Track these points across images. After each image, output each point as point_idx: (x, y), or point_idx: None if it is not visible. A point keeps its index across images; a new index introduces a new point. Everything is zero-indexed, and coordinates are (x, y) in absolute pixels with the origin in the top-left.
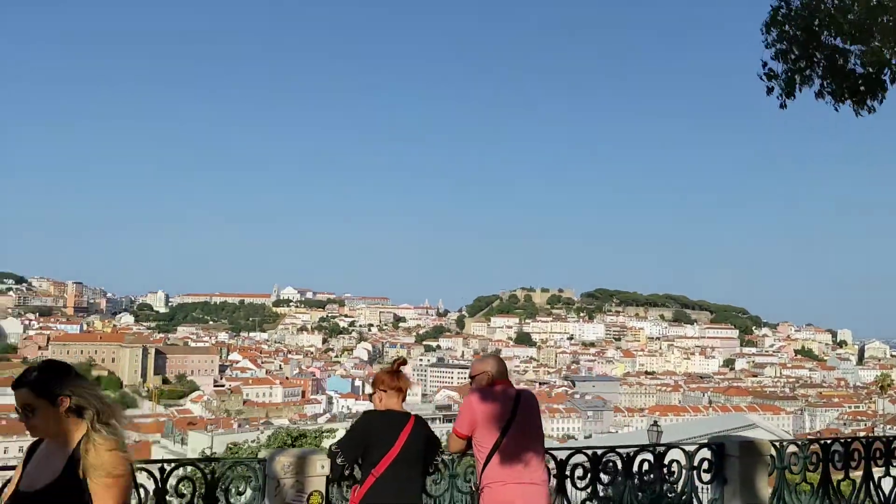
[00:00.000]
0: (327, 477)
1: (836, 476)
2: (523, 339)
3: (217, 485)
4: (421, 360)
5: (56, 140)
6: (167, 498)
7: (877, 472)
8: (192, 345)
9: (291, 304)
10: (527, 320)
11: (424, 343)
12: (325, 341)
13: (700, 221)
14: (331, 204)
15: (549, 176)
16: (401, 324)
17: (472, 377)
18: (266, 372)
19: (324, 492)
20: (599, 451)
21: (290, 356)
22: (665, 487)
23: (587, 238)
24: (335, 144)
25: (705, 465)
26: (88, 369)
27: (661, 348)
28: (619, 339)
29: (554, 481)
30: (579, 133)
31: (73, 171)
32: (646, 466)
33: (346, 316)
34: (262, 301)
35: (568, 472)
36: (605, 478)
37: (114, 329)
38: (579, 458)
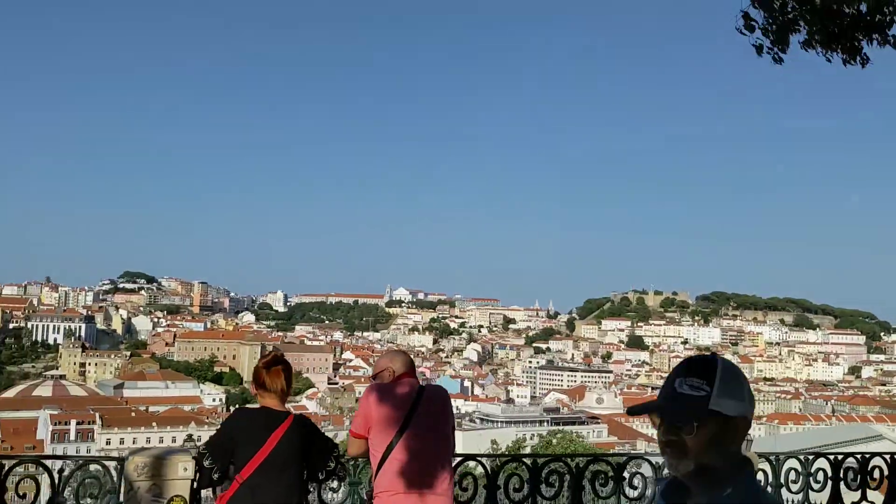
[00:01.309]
0: (193, 480)
1: (852, 497)
2: (635, 343)
3: (65, 486)
4: (530, 362)
5: (182, 145)
6: (5, 498)
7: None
8: (308, 343)
9: (403, 304)
10: (639, 323)
11: (534, 345)
12: (435, 342)
13: (825, 221)
14: (442, 206)
15: (663, 174)
16: (510, 325)
17: (374, 375)
18: None
19: (187, 497)
20: (540, 462)
21: None
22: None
23: (704, 239)
24: (446, 148)
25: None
26: (210, 365)
27: (780, 354)
28: (736, 344)
29: (482, 494)
30: (694, 129)
31: (202, 176)
32: (600, 480)
33: (456, 317)
34: (375, 301)
35: (500, 484)
36: (546, 490)
37: (235, 327)
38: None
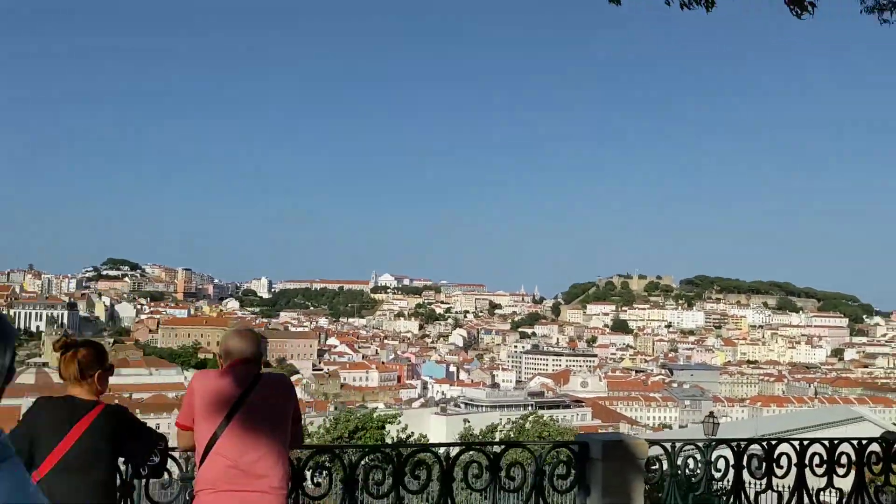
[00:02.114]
0: None
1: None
2: (620, 327)
3: None
4: (516, 346)
5: (167, 133)
6: None
7: (816, 482)
8: (293, 329)
9: (389, 290)
10: (623, 307)
11: (520, 330)
12: (421, 327)
13: (806, 205)
14: (427, 192)
15: (646, 161)
16: (496, 310)
17: (219, 355)
18: (363, 357)
19: None
20: (405, 452)
21: (386, 342)
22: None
23: (687, 224)
24: (431, 132)
25: (561, 470)
26: (194, 352)
27: (764, 337)
28: (719, 328)
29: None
30: (673, 119)
31: (184, 164)
32: (474, 470)
33: (442, 302)
34: (360, 287)
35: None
36: (410, 482)
37: (219, 314)
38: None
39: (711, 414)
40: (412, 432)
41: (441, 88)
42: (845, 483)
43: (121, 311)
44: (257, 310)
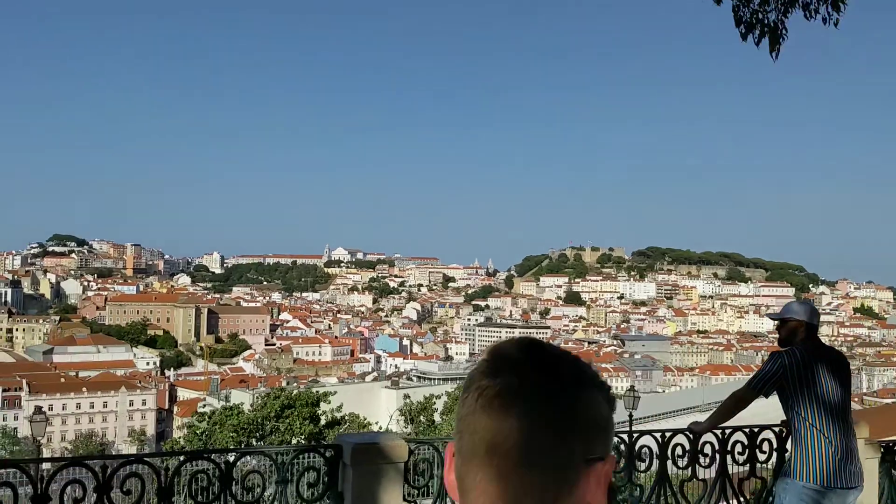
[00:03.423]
0: None
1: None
2: (573, 299)
3: None
4: (469, 319)
5: (114, 105)
6: None
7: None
8: (245, 305)
9: (342, 264)
10: (576, 279)
11: (473, 303)
12: (375, 301)
13: (755, 176)
14: (380, 164)
15: (594, 134)
16: (450, 284)
17: None
18: (315, 331)
19: None
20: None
21: (339, 316)
22: None
23: (638, 196)
24: (386, 106)
25: (311, 478)
26: (143, 329)
27: (713, 307)
28: (670, 298)
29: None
30: (632, 92)
31: (134, 136)
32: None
33: (395, 276)
34: (313, 262)
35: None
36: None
37: (170, 290)
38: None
39: (632, 388)
40: (347, 412)
41: (395, 61)
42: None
43: (67, 288)
44: (209, 285)
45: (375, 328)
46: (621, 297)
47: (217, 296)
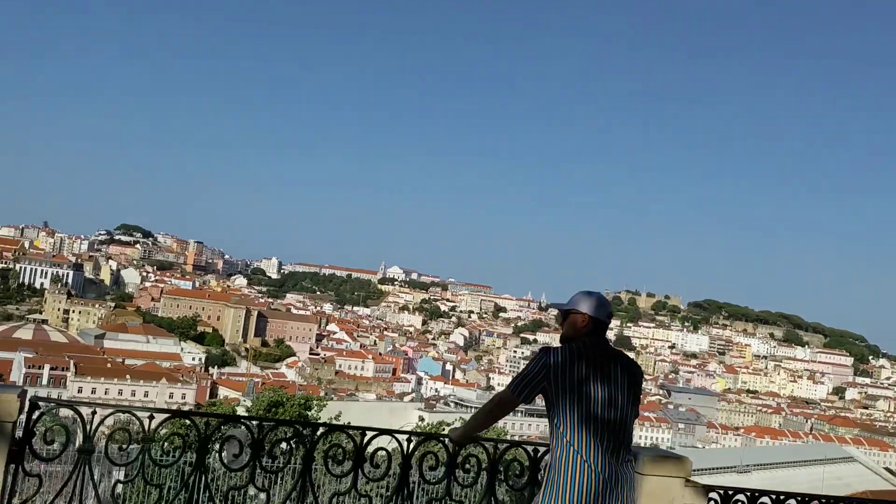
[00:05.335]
0: None
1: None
2: (622, 343)
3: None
4: (515, 351)
5: (195, 108)
6: None
7: None
8: (296, 312)
9: (396, 283)
10: (628, 324)
11: (522, 335)
12: (424, 323)
13: (822, 238)
14: (444, 189)
15: (664, 177)
16: (501, 314)
17: None
18: (361, 346)
19: None
20: None
21: (386, 333)
22: None
23: (700, 244)
24: (456, 132)
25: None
26: (193, 324)
27: (766, 368)
28: (723, 354)
29: None
30: (699, 135)
31: (207, 137)
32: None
33: (447, 300)
34: (368, 277)
35: None
36: None
37: (225, 289)
38: None
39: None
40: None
41: (466, 91)
42: None
43: (126, 277)
44: (264, 289)
45: (420, 349)
46: (672, 347)
47: (270, 300)
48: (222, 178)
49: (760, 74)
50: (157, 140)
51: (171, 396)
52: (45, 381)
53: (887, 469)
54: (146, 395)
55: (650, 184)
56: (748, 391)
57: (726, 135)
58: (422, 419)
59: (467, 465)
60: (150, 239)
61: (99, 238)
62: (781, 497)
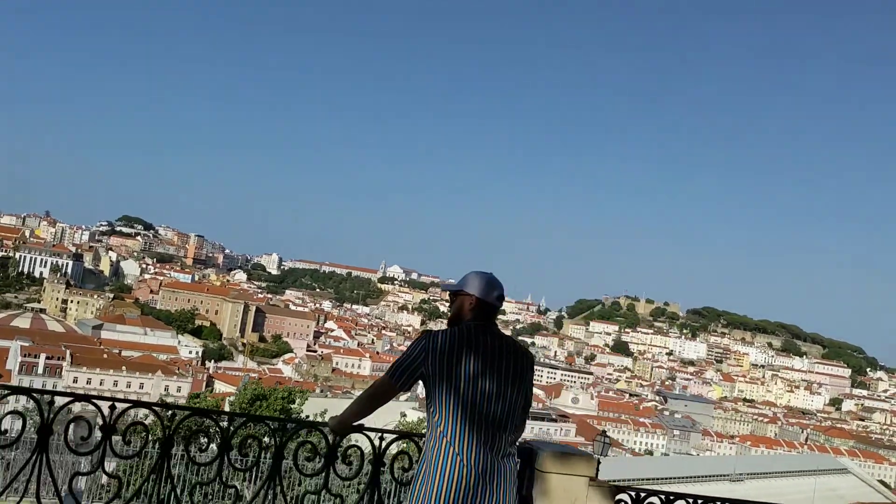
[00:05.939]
0: None
1: None
2: (620, 348)
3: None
4: None
5: (202, 103)
6: None
7: None
8: (293, 308)
9: (396, 282)
10: (627, 329)
11: (520, 338)
12: (423, 323)
13: (822, 250)
14: (447, 190)
15: (666, 184)
16: (500, 316)
17: None
18: (358, 344)
19: None
20: None
21: (384, 332)
22: None
23: (701, 252)
24: (456, 132)
25: None
26: (191, 318)
27: (764, 377)
28: (720, 362)
29: None
30: (705, 142)
31: (208, 131)
32: None
33: (447, 301)
34: (368, 276)
35: None
36: None
37: (224, 284)
38: None
39: (604, 433)
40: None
41: (467, 91)
42: None
43: (126, 268)
44: (263, 285)
45: None
46: (670, 354)
47: (269, 296)
48: (227, 173)
49: (765, 82)
50: (157, 138)
51: (166, 389)
52: (40, 371)
53: (881, 482)
54: (141, 386)
55: (652, 190)
56: (745, 400)
57: (729, 143)
58: (403, 415)
59: (349, 458)
60: (151, 231)
61: (100, 229)
62: (699, 502)
